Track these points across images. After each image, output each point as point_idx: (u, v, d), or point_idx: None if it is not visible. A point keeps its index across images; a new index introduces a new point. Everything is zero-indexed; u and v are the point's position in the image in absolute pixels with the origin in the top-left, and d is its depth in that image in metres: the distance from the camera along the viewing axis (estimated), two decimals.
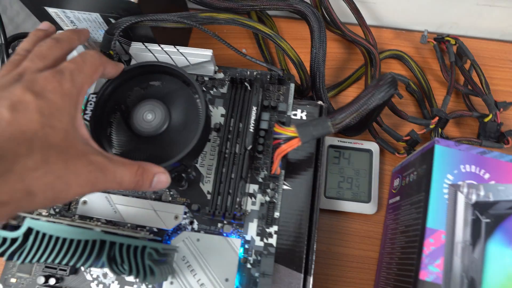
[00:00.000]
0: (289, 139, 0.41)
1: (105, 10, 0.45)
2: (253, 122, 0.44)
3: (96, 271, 0.43)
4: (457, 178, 0.41)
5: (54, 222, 0.38)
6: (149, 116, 0.42)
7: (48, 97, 0.31)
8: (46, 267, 0.43)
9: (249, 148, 0.43)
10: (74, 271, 0.44)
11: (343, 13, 0.59)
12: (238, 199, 0.42)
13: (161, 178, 0.37)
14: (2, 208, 0.26)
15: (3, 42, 0.63)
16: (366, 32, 0.58)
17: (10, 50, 0.63)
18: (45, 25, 0.41)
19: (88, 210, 0.45)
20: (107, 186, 0.33)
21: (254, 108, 0.44)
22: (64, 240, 0.36)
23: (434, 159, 0.41)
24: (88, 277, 0.43)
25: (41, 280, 0.43)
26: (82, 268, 0.44)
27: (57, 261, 0.36)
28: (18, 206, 0.27)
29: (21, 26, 0.75)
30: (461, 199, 0.40)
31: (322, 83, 0.52)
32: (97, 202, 0.45)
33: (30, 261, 0.36)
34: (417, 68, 0.59)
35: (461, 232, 0.39)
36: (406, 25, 0.63)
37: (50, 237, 0.36)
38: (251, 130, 0.44)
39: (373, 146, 0.55)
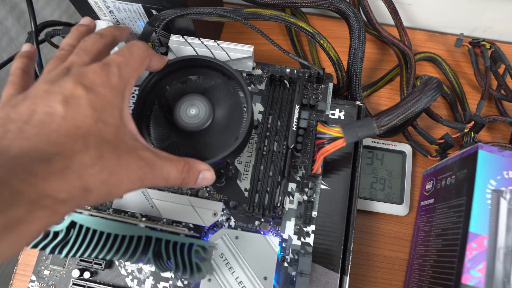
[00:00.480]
0: (334, 139, 0.41)
1: (148, 1, 0.45)
2: (296, 121, 0.44)
3: (130, 266, 0.43)
4: (500, 184, 0.41)
5: (97, 216, 0.37)
6: (193, 111, 0.42)
7: (98, 91, 0.31)
8: (81, 260, 0.43)
9: (291, 147, 0.43)
10: (109, 265, 0.44)
11: (378, 14, 0.59)
12: (280, 198, 0.42)
13: (206, 175, 0.37)
14: (61, 206, 0.25)
15: (33, 29, 0.62)
16: (402, 34, 0.57)
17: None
18: (87, 20, 0.41)
19: (124, 204, 0.44)
20: (154, 183, 0.33)
21: (297, 107, 0.44)
22: (109, 235, 0.36)
23: (478, 165, 0.41)
24: (123, 271, 0.43)
25: (76, 273, 0.42)
26: (117, 263, 0.44)
27: (101, 256, 0.36)
28: (76, 204, 0.27)
29: (40, 13, 0.74)
30: (504, 205, 0.40)
31: (358, 83, 0.52)
32: (133, 197, 0.44)
33: (74, 255, 0.36)
34: (450, 72, 0.59)
35: (504, 238, 0.39)
36: (440, 28, 0.63)
37: (94, 231, 0.36)
38: (294, 129, 0.43)
39: (406, 148, 0.55)
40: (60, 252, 0.37)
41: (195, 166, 0.36)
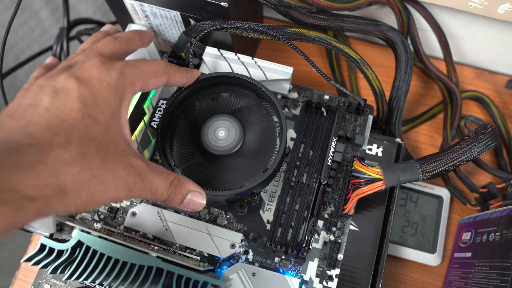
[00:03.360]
0: (372, 180, 0.37)
1: (187, 10, 0.42)
2: (332, 154, 0.40)
3: None
4: None
5: (106, 238, 0.34)
6: (222, 133, 0.39)
7: (93, 84, 0.28)
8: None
9: (324, 182, 0.39)
10: None
11: (426, 45, 0.55)
12: (307, 238, 0.38)
13: (196, 197, 0.34)
14: (28, 204, 0.22)
15: (65, 25, 0.60)
16: (451, 69, 0.54)
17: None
18: (107, 27, 0.39)
19: (137, 223, 0.41)
20: (142, 194, 0.30)
21: (334, 140, 0.40)
22: (117, 261, 0.33)
23: None
24: None
25: None
26: None
27: (105, 283, 0.33)
28: (48, 204, 0.23)
29: (75, 7, 0.73)
30: None
31: (399, 118, 0.48)
32: (147, 216, 0.41)
33: (77, 278, 0.33)
34: (498, 114, 0.54)
35: None
36: (490, 66, 0.59)
37: (102, 255, 0.33)
38: (329, 163, 0.40)
39: (444, 193, 0.51)
40: (62, 272, 0.34)
41: (185, 184, 0.33)
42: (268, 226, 0.41)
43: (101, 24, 0.62)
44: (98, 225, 0.41)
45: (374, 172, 0.37)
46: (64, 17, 0.61)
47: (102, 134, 0.27)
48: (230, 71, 0.43)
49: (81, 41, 0.60)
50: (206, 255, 0.40)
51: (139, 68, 0.32)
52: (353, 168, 0.39)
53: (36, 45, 0.94)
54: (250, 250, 0.41)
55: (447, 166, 0.36)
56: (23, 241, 0.54)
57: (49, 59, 0.36)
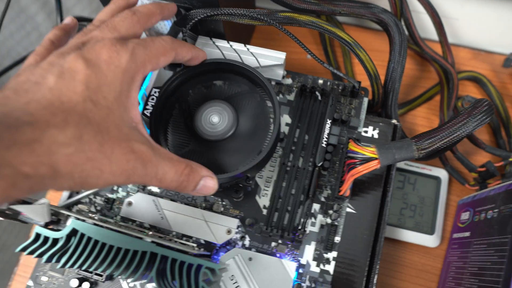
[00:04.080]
0: (367, 160, 0.37)
1: (178, 0, 0.42)
2: (326, 136, 0.40)
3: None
4: None
5: (101, 226, 0.35)
6: (215, 119, 0.38)
7: (100, 67, 0.28)
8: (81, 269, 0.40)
9: (319, 164, 0.39)
10: (110, 277, 0.40)
11: (420, 27, 0.55)
12: (302, 220, 0.38)
13: (208, 182, 0.33)
14: (22, 181, 0.23)
15: (58, 23, 0.60)
16: (446, 50, 0.53)
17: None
18: None
19: (133, 212, 0.41)
20: (145, 181, 0.29)
21: (329, 122, 0.40)
22: (111, 247, 0.33)
23: None
24: (124, 285, 0.40)
25: (75, 283, 0.39)
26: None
27: (100, 269, 0.33)
28: (40, 183, 0.24)
29: (70, 11, 0.73)
30: None
31: (395, 100, 0.48)
32: (143, 205, 0.41)
33: (72, 266, 0.33)
34: (495, 93, 0.54)
35: None
36: (486, 46, 0.58)
37: (96, 242, 0.33)
38: (323, 145, 0.40)
39: (442, 174, 0.51)
40: (57, 261, 0.34)
41: (197, 171, 0.33)
42: (265, 212, 0.41)
43: None
44: (95, 216, 0.42)
45: (368, 151, 0.37)
46: (57, 17, 0.61)
47: (102, 118, 0.27)
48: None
49: None
50: (203, 242, 0.40)
51: (149, 48, 0.32)
52: (348, 149, 0.39)
53: (32, 48, 0.94)
54: (246, 236, 0.41)
55: (442, 142, 0.36)
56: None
57: (68, 19, 0.36)
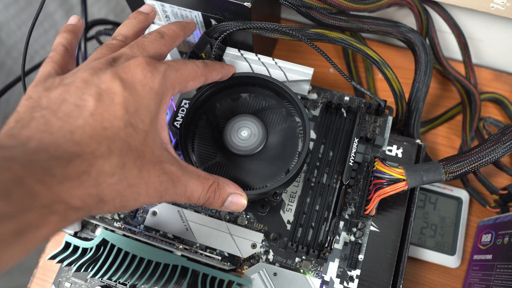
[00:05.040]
0: (395, 181, 0.37)
1: (209, 10, 0.42)
2: (353, 155, 0.40)
3: None
4: None
5: (131, 237, 0.35)
6: (245, 133, 0.39)
7: (136, 88, 0.28)
8: None
9: (346, 183, 0.39)
10: (133, 287, 0.40)
11: (444, 47, 0.55)
12: (329, 238, 0.38)
13: (237, 199, 0.34)
14: (72, 214, 0.23)
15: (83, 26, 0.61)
16: (469, 71, 0.53)
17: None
18: (147, 8, 0.38)
19: (157, 222, 0.41)
20: (174, 199, 0.30)
21: (356, 140, 0.40)
22: (142, 259, 0.33)
23: None
24: None
25: None
26: (142, 287, 0.40)
27: (130, 282, 0.33)
28: (87, 213, 0.24)
29: (88, 9, 0.73)
30: None
31: (418, 119, 0.48)
32: (167, 215, 0.41)
33: (102, 276, 0.33)
34: None
35: None
36: (508, 68, 0.58)
37: (126, 253, 0.33)
38: (351, 163, 0.40)
39: (463, 194, 0.51)
40: (86, 270, 0.34)
41: (224, 188, 0.33)
42: (289, 227, 0.41)
43: (118, 25, 0.63)
44: (118, 224, 0.42)
45: (397, 172, 0.37)
46: (82, 18, 0.61)
47: (140, 143, 0.27)
48: (250, 71, 0.43)
49: (99, 41, 0.60)
50: (227, 254, 0.40)
51: (180, 71, 0.32)
52: (375, 168, 0.39)
53: (49, 47, 0.94)
54: (270, 250, 0.41)
55: (471, 166, 0.36)
56: None
57: (74, 18, 0.35)
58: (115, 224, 0.42)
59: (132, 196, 0.26)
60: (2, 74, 0.86)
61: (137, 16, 0.36)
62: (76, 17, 0.36)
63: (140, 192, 0.27)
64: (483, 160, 0.36)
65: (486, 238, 0.47)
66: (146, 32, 0.37)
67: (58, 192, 0.22)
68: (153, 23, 0.50)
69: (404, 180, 0.37)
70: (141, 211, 0.43)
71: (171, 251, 0.34)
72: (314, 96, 0.46)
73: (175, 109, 0.41)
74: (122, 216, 0.43)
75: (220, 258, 0.39)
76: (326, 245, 0.38)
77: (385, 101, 0.44)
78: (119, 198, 0.25)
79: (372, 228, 0.41)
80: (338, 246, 0.41)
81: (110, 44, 0.33)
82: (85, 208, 0.23)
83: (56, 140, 0.24)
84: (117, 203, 0.25)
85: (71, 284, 0.41)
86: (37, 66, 0.61)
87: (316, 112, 0.46)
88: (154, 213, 0.41)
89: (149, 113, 0.29)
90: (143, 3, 0.46)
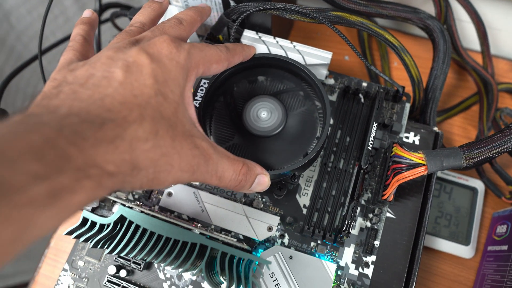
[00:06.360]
0: (415, 166, 0.37)
1: None
2: (372, 139, 0.40)
3: (170, 271, 0.40)
4: None
5: (149, 214, 0.34)
6: (264, 114, 0.38)
7: (163, 62, 0.28)
8: (119, 256, 0.40)
9: (365, 167, 0.39)
10: (148, 266, 0.40)
11: (461, 37, 0.55)
12: (347, 222, 0.38)
13: (263, 180, 0.33)
14: (107, 180, 0.22)
15: (97, 9, 0.60)
16: (487, 61, 0.53)
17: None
18: None
19: (173, 203, 0.41)
20: (206, 178, 0.29)
21: (375, 125, 0.40)
22: (160, 236, 0.33)
23: None
24: (161, 275, 0.40)
25: (112, 270, 0.39)
26: (156, 265, 0.40)
27: (148, 258, 0.33)
28: (121, 182, 0.23)
29: None
30: None
31: (435, 108, 0.47)
32: (183, 196, 0.41)
33: (120, 252, 0.33)
34: None
35: None
36: None
37: (144, 230, 0.33)
38: (370, 148, 0.39)
39: (479, 185, 0.50)
40: (103, 246, 0.34)
41: (253, 170, 0.33)
42: (305, 211, 0.41)
43: (131, 8, 0.62)
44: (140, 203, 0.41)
45: (416, 157, 0.37)
46: (96, 1, 0.61)
47: (172, 113, 0.27)
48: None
49: (115, 25, 0.60)
50: (241, 237, 0.40)
51: (204, 52, 0.32)
52: (394, 153, 0.39)
53: (59, 33, 0.94)
54: (286, 234, 0.40)
55: (492, 153, 0.36)
56: None
57: (88, 12, 0.36)
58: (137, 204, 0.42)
59: (165, 167, 0.26)
60: (12, 59, 0.86)
61: (151, 5, 0.36)
62: (90, 10, 0.36)
63: (173, 164, 0.26)
64: (505, 147, 0.36)
65: (502, 229, 0.47)
66: (162, 19, 0.37)
67: (92, 156, 0.21)
68: (169, 3, 0.49)
69: (424, 164, 0.36)
70: (156, 192, 0.43)
71: (189, 229, 0.34)
72: (331, 81, 0.46)
73: (194, 88, 0.41)
74: (136, 197, 0.42)
75: (235, 240, 0.39)
76: (344, 229, 0.37)
77: (403, 87, 0.43)
78: (152, 167, 0.25)
79: (388, 214, 0.41)
80: (354, 232, 0.40)
81: (129, 30, 0.33)
82: (119, 175, 0.23)
83: (87, 106, 0.23)
84: (150, 174, 0.25)
85: (85, 262, 0.41)
86: (53, 46, 0.60)
87: (333, 98, 0.45)
88: (170, 194, 0.41)
89: (178, 86, 0.28)
90: None
